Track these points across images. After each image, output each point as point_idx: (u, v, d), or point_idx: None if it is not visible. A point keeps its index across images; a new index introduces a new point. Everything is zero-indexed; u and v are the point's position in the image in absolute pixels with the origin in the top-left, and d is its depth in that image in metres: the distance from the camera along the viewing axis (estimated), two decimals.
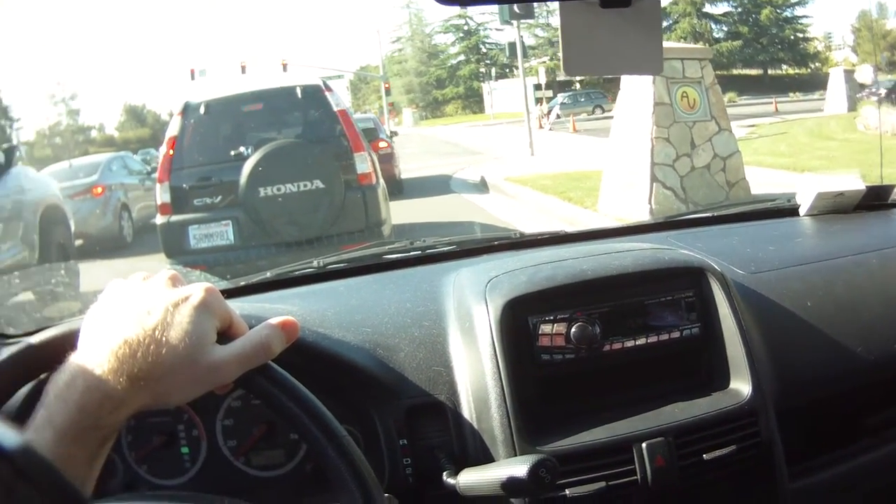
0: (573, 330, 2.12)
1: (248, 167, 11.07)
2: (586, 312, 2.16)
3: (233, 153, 11.59)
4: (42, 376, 1.45)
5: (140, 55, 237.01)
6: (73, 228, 15.15)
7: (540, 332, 2.13)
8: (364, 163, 11.48)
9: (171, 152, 11.43)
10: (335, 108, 11.95)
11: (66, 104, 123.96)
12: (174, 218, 11.32)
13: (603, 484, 1.96)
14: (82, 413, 1.21)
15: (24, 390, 1.74)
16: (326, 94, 12.11)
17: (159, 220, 11.57)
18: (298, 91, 12.09)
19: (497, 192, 21.12)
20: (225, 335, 1.34)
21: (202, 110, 11.74)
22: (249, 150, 11.49)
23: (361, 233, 11.01)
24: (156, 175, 14.39)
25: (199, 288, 1.34)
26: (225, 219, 11.20)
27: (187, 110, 11.77)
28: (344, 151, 11.55)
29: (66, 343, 1.35)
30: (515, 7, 25.40)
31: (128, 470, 2.28)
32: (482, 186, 22.87)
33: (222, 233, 11.19)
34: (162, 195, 11.40)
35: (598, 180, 15.77)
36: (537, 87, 57.92)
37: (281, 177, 11.04)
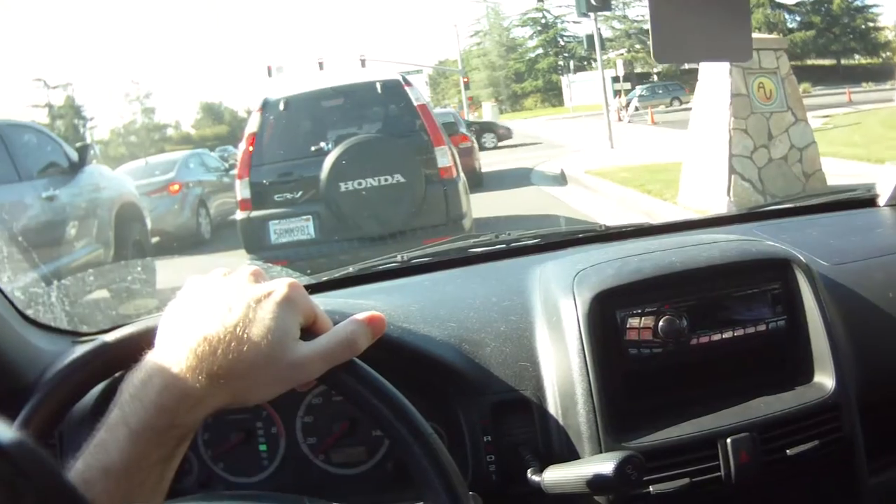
0: (661, 323, 2.08)
1: (328, 162, 11.02)
2: (674, 305, 2.11)
3: (313, 148, 11.57)
4: (116, 375, 1.44)
5: (217, 52, 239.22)
6: (149, 226, 15.30)
7: (628, 325, 2.09)
8: (445, 157, 11.36)
9: (251, 149, 11.51)
10: (415, 103, 11.87)
11: (142, 102, 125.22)
12: (254, 213, 11.41)
13: (687, 480, 1.92)
14: (159, 412, 1.19)
15: (97, 389, 1.75)
16: (406, 88, 12.03)
17: (239, 215, 11.73)
18: (378, 86, 12.03)
19: (577, 184, 21.03)
20: (309, 331, 1.30)
21: (281, 106, 11.80)
22: (330, 146, 11.45)
23: (443, 226, 10.84)
24: (234, 172, 14.70)
25: (282, 283, 1.30)
26: (306, 214, 11.21)
27: (266, 106, 11.82)
28: (424, 145, 11.43)
29: (143, 341, 1.34)
30: None
31: (203, 468, 2.28)
32: (561, 179, 22.85)
33: (303, 227, 11.22)
34: (242, 191, 11.54)
35: (678, 172, 15.62)
36: (615, 79, 57.80)
37: (362, 171, 10.94)
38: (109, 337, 1.48)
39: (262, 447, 2.27)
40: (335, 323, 1.34)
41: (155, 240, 18.01)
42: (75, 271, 8.36)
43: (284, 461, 2.26)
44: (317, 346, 1.28)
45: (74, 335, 2.62)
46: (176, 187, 21.12)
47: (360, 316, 1.34)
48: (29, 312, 2.46)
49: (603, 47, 35.64)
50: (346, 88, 12.55)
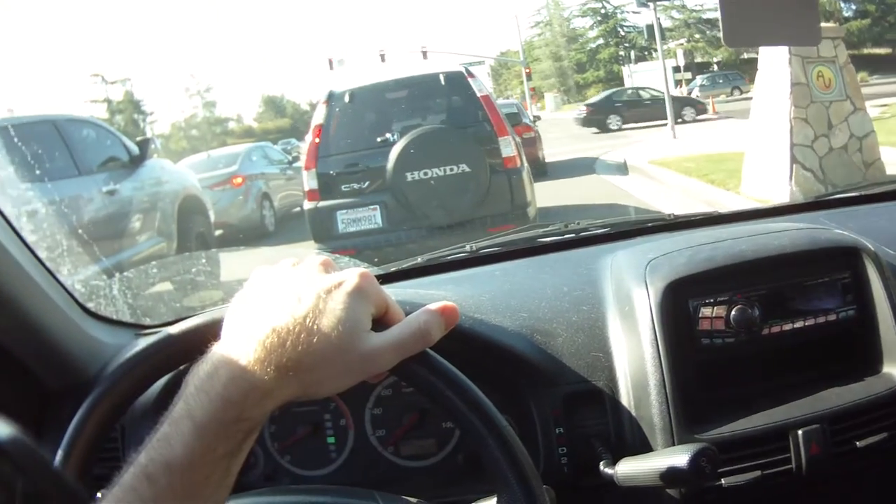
0: (733, 313, 2.05)
1: (395, 152, 11.21)
2: (745, 295, 2.08)
3: (379, 139, 11.83)
4: (181, 368, 1.43)
5: (278, 45, 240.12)
6: (212, 218, 15.35)
7: (700, 315, 2.06)
8: (508, 146, 11.49)
9: (318, 140, 11.74)
10: (478, 94, 11.94)
11: (202, 96, 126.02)
12: (322, 203, 11.62)
13: (758, 473, 1.89)
14: (225, 405, 1.15)
15: (160, 382, 1.74)
16: (469, 80, 12.14)
17: (307, 205, 11.92)
18: (442, 78, 12.27)
19: (640, 174, 20.95)
20: (380, 322, 1.26)
21: (347, 98, 12.02)
22: (395, 136, 11.66)
23: (507, 215, 11.03)
24: (297, 164, 15.41)
25: (353, 273, 1.26)
26: (373, 203, 11.40)
27: (332, 99, 12.03)
28: (488, 136, 11.54)
29: (209, 333, 1.31)
30: None
31: (269, 461, 2.28)
32: (623, 168, 22.67)
33: (370, 217, 11.40)
34: (309, 182, 11.75)
35: (740, 162, 15.45)
36: (676, 69, 57.53)
37: (428, 161, 11.12)
38: (174, 329, 1.46)
39: (330, 440, 2.26)
40: (406, 314, 1.30)
41: (218, 232, 18.05)
42: (138, 264, 8.39)
43: (352, 454, 2.25)
44: (389, 337, 1.24)
45: (137, 328, 2.61)
46: (239, 180, 21.06)
47: (433, 306, 1.29)
48: (90, 305, 2.45)
49: (663, 37, 35.63)
50: (411, 80, 12.88)
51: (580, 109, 48.89)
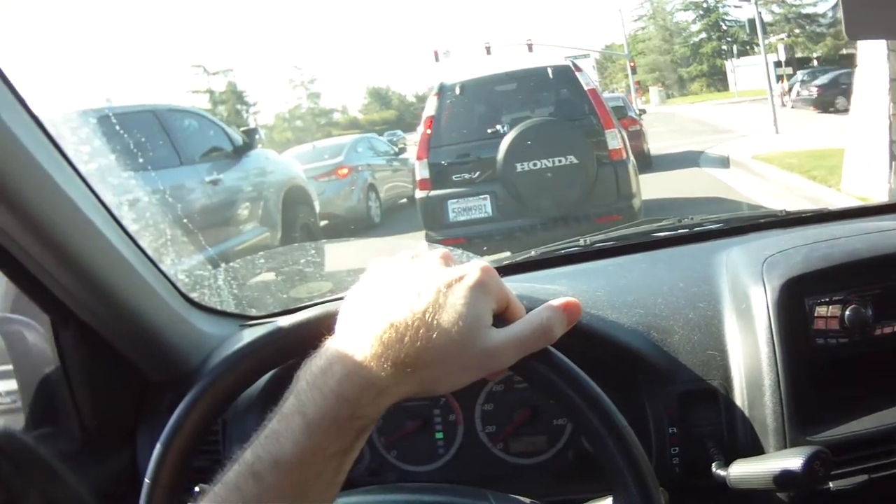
0: (847, 312, 1.99)
1: (505, 144, 11.43)
2: (859, 294, 2.02)
3: (489, 131, 12.16)
4: (289, 363, 1.38)
5: (383, 37, 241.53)
6: (317, 209, 15.45)
7: (815, 314, 2.01)
8: (615, 139, 11.72)
9: (429, 131, 12.12)
10: (585, 88, 12.24)
11: (306, 87, 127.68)
12: (433, 193, 11.98)
13: (865, 477, 1.81)
14: (339, 402, 1.12)
15: (265, 377, 1.72)
16: (577, 73, 12.43)
17: (419, 194, 12.28)
18: (550, 71, 12.60)
19: (743, 169, 20.83)
20: (501, 318, 1.22)
21: (458, 91, 12.43)
22: (505, 128, 11.93)
23: (613, 206, 11.40)
24: (403, 156, 15.60)
25: (474, 267, 1.22)
26: (483, 193, 11.73)
27: (443, 91, 12.47)
28: (595, 128, 11.78)
29: (322, 327, 1.28)
30: None
31: (375, 456, 2.26)
32: (727, 163, 22.60)
33: (481, 206, 11.75)
34: (421, 171, 12.14)
35: (841, 158, 15.13)
36: (777, 64, 56.98)
37: (537, 153, 11.31)
38: (284, 322, 1.45)
39: (439, 435, 2.24)
40: (525, 308, 1.27)
41: (323, 223, 18.11)
42: (242, 254, 8.43)
43: (461, 450, 2.23)
44: (510, 334, 1.20)
45: (242, 319, 2.62)
46: (345, 171, 21.13)
47: (556, 302, 1.25)
48: (194, 296, 2.45)
49: (764, 31, 35.30)
50: (519, 73, 13.04)
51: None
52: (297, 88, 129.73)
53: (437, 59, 72.31)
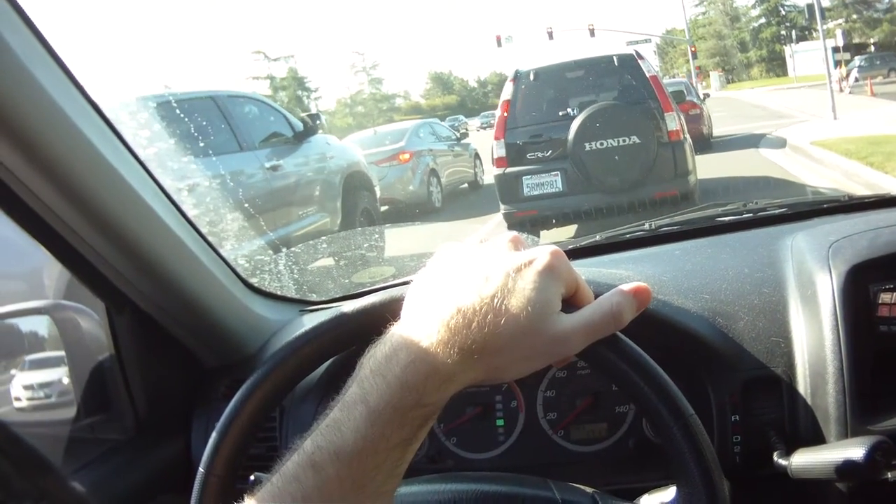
0: None
1: (575, 125, 12.34)
2: None
3: (560, 113, 13.06)
4: (351, 349, 1.35)
5: (445, 22, 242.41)
6: (378, 194, 15.31)
7: (879, 301, 1.94)
8: (673, 121, 12.54)
9: (505, 114, 13.11)
10: (647, 74, 13.06)
11: (368, 73, 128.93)
12: (509, 170, 12.93)
13: None
14: (404, 389, 1.08)
15: (325, 364, 1.68)
16: (639, 62, 13.27)
17: (496, 171, 13.20)
18: (615, 60, 13.50)
19: (801, 154, 20.46)
20: (569, 303, 1.17)
21: (532, 77, 13.44)
22: (575, 111, 12.81)
23: (671, 182, 12.34)
24: (465, 141, 17.18)
25: (544, 251, 1.17)
26: (554, 170, 12.67)
27: (518, 77, 13.42)
28: (655, 112, 12.56)
29: (387, 312, 1.24)
30: None
31: (434, 442, 2.22)
32: (786, 147, 22.66)
33: (552, 182, 12.69)
34: (498, 150, 13.04)
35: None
36: (835, 49, 56.73)
37: (604, 133, 12.20)
38: (347, 307, 1.41)
39: (499, 422, 2.20)
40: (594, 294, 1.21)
41: (384, 208, 17.73)
42: (302, 240, 8.36)
43: (521, 437, 2.18)
44: (580, 319, 1.16)
45: (302, 304, 2.59)
46: (406, 156, 20.94)
47: (626, 287, 1.20)
48: (254, 281, 2.43)
49: (822, 17, 35.09)
50: (587, 62, 13.94)
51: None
52: (359, 74, 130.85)
53: (499, 44, 72.69)
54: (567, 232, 12.87)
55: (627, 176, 12.20)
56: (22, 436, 0.87)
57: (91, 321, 2.28)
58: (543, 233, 12.51)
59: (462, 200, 21.60)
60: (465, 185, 24.62)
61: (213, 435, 1.44)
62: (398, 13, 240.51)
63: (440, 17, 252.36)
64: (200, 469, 1.44)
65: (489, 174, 16.01)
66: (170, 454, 2.29)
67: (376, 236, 5.50)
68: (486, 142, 15.40)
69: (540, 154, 12.91)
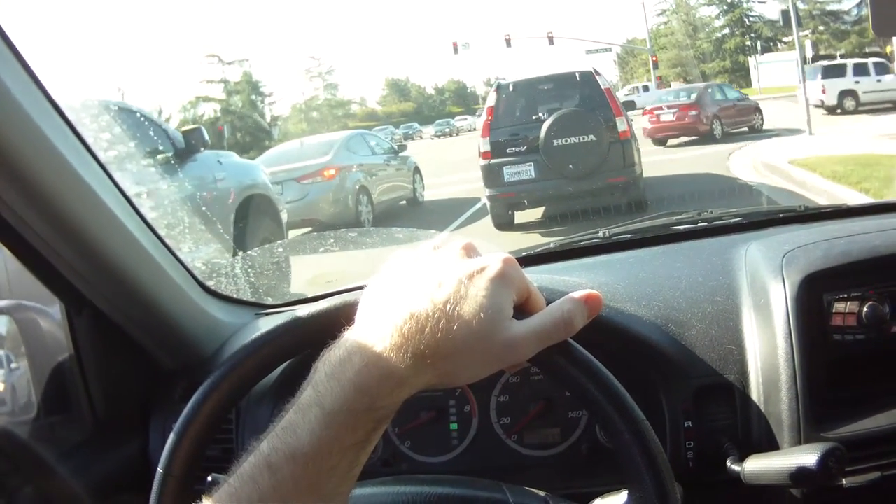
0: (865, 309, 1.97)
1: (545, 126, 15.94)
2: (878, 291, 1.99)
3: (533, 117, 16.74)
4: (306, 353, 1.36)
5: (402, 28, 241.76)
6: (284, 219, 13.56)
7: (833, 310, 1.98)
8: (623, 124, 16.20)
9: (489, 118, 16.82)
10: (602, 87, 16.89)
11: (324, 78, 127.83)
12: (493, 161, 16.46)
13: (878, 474, 1.79)
14: (358, 393, 1.10)
15: (281, 367, 1.72)
16: (596, 77, 17.03)
17: (482, 162, 16.63)
18: (577, 76, 17.30)
19: (780, 175, 19.00)
20: (521, 310, 1.19)
21: (510, 88, 17.45)
22: (545, 115, 16.42)
23: (620, 170, 16.00)
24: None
25: (496, 258, 1.19)
26: (528, 161, 16.32)
27: (500, 89, 17.37)
28: (609, 116, 16.20)
29: (342, 317, 1.25)
30: None
31: (388, 446, 2.25)
32: (760, 167, 21.14)
33: (527, 170, 16.36)
34: (484, 146, 16.56)
35: (892, 167, 15.03)
36: (803, 60, 57.04)
37: (568, 132, 15.85)
38: (303, 311, 1.42)
39: (453, 426, 2.24)
40: (546, 301, 1.23)
41: (305, 231, 16.85)
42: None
43: (475, 441, 2.22)
44: (532, 326, 1.18)
45: (258, 307, 2.63)
46: (332, 172, 19.53)
47: (577, 294, 1.22)
48: (210, 284, 2.46)
49: (799, 24, 35.14)
50: (554, 77, 17.88)
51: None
52: (314, 79, 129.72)
53: (455, 51, 72.68)
54: (538, 212, 17.28)
55: (586, 166, 15.80)
56: None
57: (51, 322, 2.30)
58: (518, 213, 17.12)
59: (399, 220, 20.62)
60: (404, 202, 23.48)
61: (171, 436, 1.45)
62: (355, 18, 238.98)
63: (398, 23, 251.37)
64: (159, 469, 1.45)
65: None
66: (128, 455, 2.31)
67: (332, 241, 5.50)
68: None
69: (517, 149, 16.42)
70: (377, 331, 1.14)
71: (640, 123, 28.52)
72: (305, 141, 23.29)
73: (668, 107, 31.72)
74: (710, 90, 33.58)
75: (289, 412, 1.14)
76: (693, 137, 28.67)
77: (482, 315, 1.13)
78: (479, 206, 19.07)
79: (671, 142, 31.04)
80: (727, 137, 30.39)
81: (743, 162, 22.78)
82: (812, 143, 24.36)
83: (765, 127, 33.59)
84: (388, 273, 1.25)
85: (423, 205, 23.94)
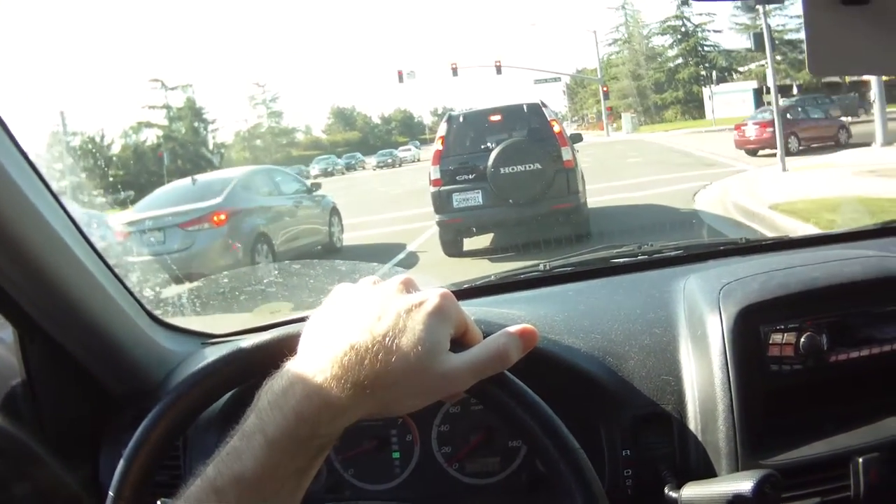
0: (802, 340, 2.02)
1: (493, 155, 16.56)
2: (815, 322, 2.04)
3: (482, 147, 17.24)
4: (251, 382, 1.38)
5: (347, 56, 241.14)
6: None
7: (770, 341, 2.03)
8: (567, 153, 16.98)
9: (441, 147, 17.48)
10: (549, 118, 17.76)
11: (268, 106, 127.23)
12: (443, 188, 17.02)
13: (818, 500, 1.85)
14: (299, 421, 1.16)
15: (226, 395, 1.78)
16: (543, 108, 17.99)
17: (432, 189, 17.22)
18: (525, 107, 18.20)
19: (760, 223, 15.92)
20: (458, 343, 1.25)
21: (461, 119, 17.93)
22: (493, 144, 16.99)
23: (564, 197, 16.69)
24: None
25: (434, 293, 1.25)
26: (476, 188, 16.91)
27: (451, 119, 17.93)
28: (554, 146, 16.99)
29: (284, 348, 1.30)
30: None
31: (332, 473, 2.29)
32: (734, 213, 17.84)
33: (475, 197, 16.93)
34: (434, 174, 17.20)
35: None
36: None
37: (514, 161, 16.52)
38: (247, 341, 1.46)
39: (395, 454, 2.28)
40: (482, 333, 1.30)
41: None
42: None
43: (417, 469, 2.25)
44: (467, 358, 1.23)
45: (204, 337, 2.68)
46: (222, 217, 16.73)
47: (513, 329, 1.28)
48: (157, 313, 2.52)
49: (773, 48, 35.33)
50: (503, 108, 18.47)
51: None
52: (258, 106, 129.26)
53: (401, 79, 72.82)
54: (486, 239, 18.00)
55: (531, 193, 16.46)
56: None
57: (4, 348, 2.32)
58: (466, 241, 17.53)
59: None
60: (319, 247, 20.30)
61: (121, 462, 1.50)
62: (301, 46, 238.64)
63: (344, 51, 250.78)
64: (110, 493, 1.48)
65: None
66: (79, 479, 2.33)
67: (276, 272, 5.55)
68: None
69: (466, 176, 17.10)
70: (318, 362, 1.20)
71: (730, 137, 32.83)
72: (199, 178, 19.59)
73: (753, 123, 34.28)
74: (794, 108, 36.85)
75: (234, 438, 1.19)
76: (774, 151, 27.89)
77: (420, 348, 1.19)
78: (402, 255, 18.06)
79: (760, 153, 33.17)
80: (805, 152, 32.17)
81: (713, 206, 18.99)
82: (787, 182, 21.44)
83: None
84: (330, 305, 1.31)
85: (342, 251, 20.97)
